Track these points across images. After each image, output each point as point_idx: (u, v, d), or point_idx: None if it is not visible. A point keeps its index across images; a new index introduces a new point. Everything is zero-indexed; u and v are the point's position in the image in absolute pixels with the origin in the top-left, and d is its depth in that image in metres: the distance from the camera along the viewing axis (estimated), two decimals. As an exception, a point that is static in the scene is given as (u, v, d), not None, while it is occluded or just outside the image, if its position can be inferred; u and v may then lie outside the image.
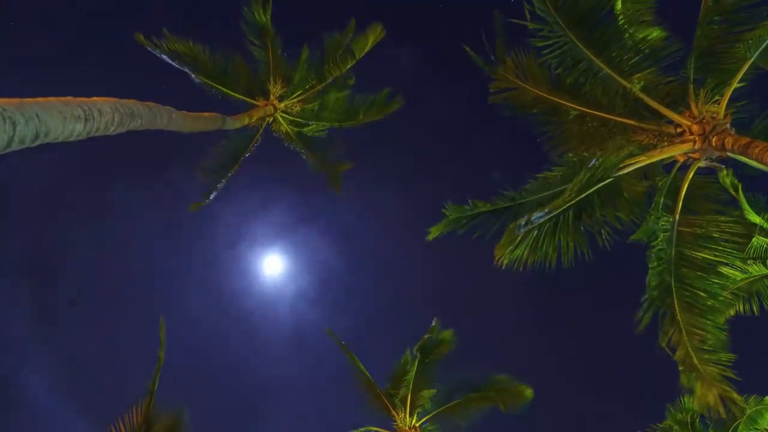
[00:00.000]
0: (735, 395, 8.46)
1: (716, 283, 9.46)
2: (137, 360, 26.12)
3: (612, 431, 32.82)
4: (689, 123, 9.28)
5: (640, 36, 9.67)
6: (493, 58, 10.91)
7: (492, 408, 16.19)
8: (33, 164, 24.09)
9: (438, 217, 9.60)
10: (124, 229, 28.16)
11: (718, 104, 9.16)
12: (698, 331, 9.13)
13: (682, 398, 13.88)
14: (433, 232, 9.64)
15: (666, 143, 9.52)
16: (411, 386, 15.37)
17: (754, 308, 10.62)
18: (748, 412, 12.51)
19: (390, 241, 30.42)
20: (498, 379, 16.23)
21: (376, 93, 17.14)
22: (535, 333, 29.33)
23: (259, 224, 30.10)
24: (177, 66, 14.75)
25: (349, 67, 16.11)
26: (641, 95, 9.77)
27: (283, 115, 16.82)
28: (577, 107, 10.48)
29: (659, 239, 9.75)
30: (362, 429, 16.13)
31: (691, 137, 9.19)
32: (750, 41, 8.62)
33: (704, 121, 9.15)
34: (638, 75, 9.92)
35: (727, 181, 8.96)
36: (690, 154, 9.39)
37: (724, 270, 9.57)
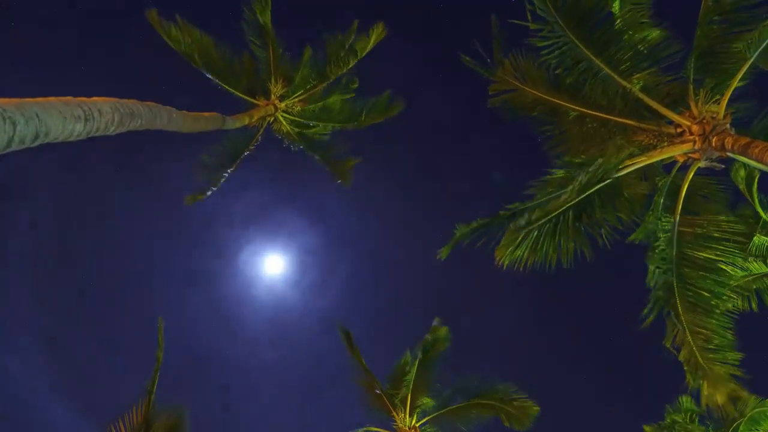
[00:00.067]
0: (744, 394, 8.47)
1: (718, 282, 9.46)
2: (137, 360, 26.15)
3: (612, 431, 32.84)
4: (689, 123, 9.29)
5: (640, 36, 9.67)
6: (489, 60, 10.90)
7: (494, 418, 15.75)
8: (33, 164, 24.12)
9: (438, 217, 9.65)
10: (124, 229, 28.19)
11: (718, 104, 9.16)
12: (703, 330, 9.14)
13: (680, 399, 13.92)
14: (444, 252, 9.76)
15: (666, 143, 9.52)
16: (411, 386, 15.36)
17: (753, 306, 10.64)
18: (748, 413, 12.50)
19: (390, 241, 30.45)
20: (502, 387, 15.69)
21: (377, 95, 17.18)
22: (535, 333, 29.36)
23: (259, 224, 30.12)
24: (181, 54, 14.62)
25: (350, 66, 16.14)
26: (641, 95, 9.77)
27: (284, 114, 16.84)
28: (577, 108, 10.47)
29: (660, 239, 9.76)
30: (362, 430, 16.14)
31: (691, 137, 9.20)
32: (750, 41, 8.63)
33: (704, 121, 9.15)
34: (638, 75, 9.91)
35: (741, 173, 8.95)
36: (690, 155, 9.39)
37: (726, 269, 9.58)
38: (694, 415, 13.92)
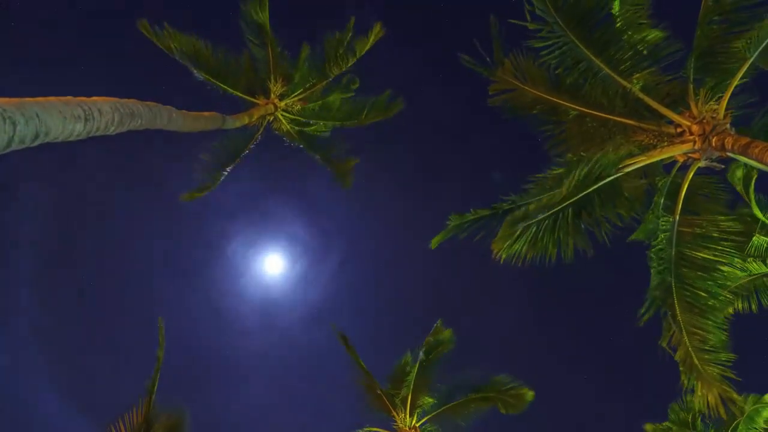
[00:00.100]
0: (735, 395, 8.48)
1: (717, 282, 9.47)
2: (137, 360, 26.15)
3: (612, 431, 32.86)
4: (689, 123, 9.29)
5: (640, 36, 9.67)
6: (489, 60, 10.90)
7: (492, 408, 16.20)
8: (33, 164, 24.12)
9: (438, 217, 9.66)
10: (123, 228, 28.18)
11: (718, 104, 9.17)
12: (699, 331, 9.14)
13: (684, 398, 13.89)
14: (435, 242, 9.73)
15: (666, 143, 9.52)
16: (411, 387, 15.37)
17: (753, 306, 10.65)
18: (747, 411, 12.52)
19: (390, 240, 30.43)
20: (498, 379, 16.20)
21: (378, 94, 17.20)
22: (535, 333, 29.33)
23: (260, 224, 30.12)
24: (178, 59, 14.70)
25: (349, 65, 16.15)
26: (641, 95, 9.77)
27: (284, 113, 16.84)
28: (577, 107, 10.47)
29: (659, 239, 9.76)
30: (362, 430, 16.15)
31: (691, 137, 9.20)
32: (750, 41, 8.63)
33: (704, 121, 9.15)
34: (638, 75, 9.92)
35: (738, 173, 8.95)
36: (690, 155, 9.39)
37: (725, 269, 9.59)
38: (697, 414, 13.93)
